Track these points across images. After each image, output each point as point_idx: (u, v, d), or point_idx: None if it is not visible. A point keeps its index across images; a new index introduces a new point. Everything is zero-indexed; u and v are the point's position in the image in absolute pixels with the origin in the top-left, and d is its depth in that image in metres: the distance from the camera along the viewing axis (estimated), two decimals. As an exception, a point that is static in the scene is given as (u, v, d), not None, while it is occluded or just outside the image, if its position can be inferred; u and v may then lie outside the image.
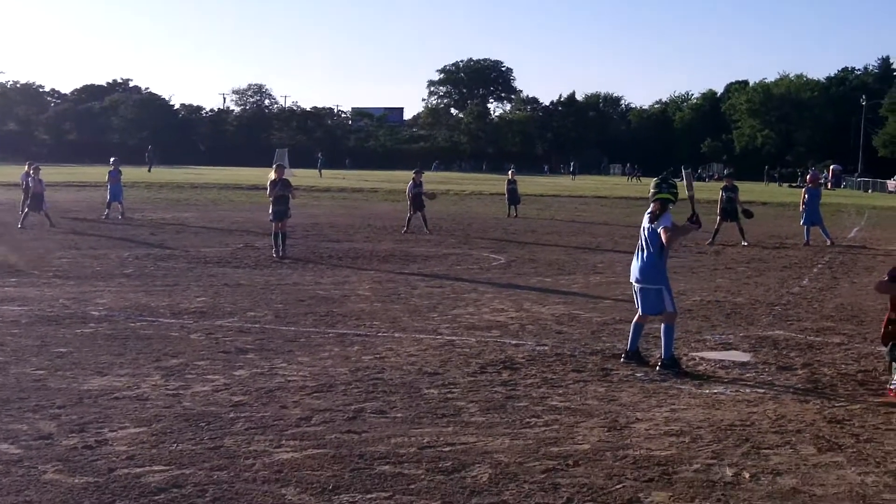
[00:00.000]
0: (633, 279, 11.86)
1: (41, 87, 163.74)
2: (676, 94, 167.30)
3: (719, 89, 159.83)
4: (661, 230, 11.46)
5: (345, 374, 10.85)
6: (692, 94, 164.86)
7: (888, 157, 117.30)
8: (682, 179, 12.59)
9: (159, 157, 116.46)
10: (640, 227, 11.96)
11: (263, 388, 10.10)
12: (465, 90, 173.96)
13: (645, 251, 11.67)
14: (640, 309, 11.81)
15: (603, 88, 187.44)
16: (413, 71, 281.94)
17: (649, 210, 11.80)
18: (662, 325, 11.58)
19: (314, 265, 21.80)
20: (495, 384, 10.52)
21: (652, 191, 11.83)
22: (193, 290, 17.45)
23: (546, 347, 12.64)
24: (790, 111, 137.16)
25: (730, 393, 10.40)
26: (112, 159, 37.23)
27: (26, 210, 30.51)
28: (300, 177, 69.58)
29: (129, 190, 42.01)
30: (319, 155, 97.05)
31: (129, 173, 51.74)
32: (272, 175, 24.06)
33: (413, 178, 32.29)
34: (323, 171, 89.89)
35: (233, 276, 19.63)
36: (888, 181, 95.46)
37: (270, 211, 23.58)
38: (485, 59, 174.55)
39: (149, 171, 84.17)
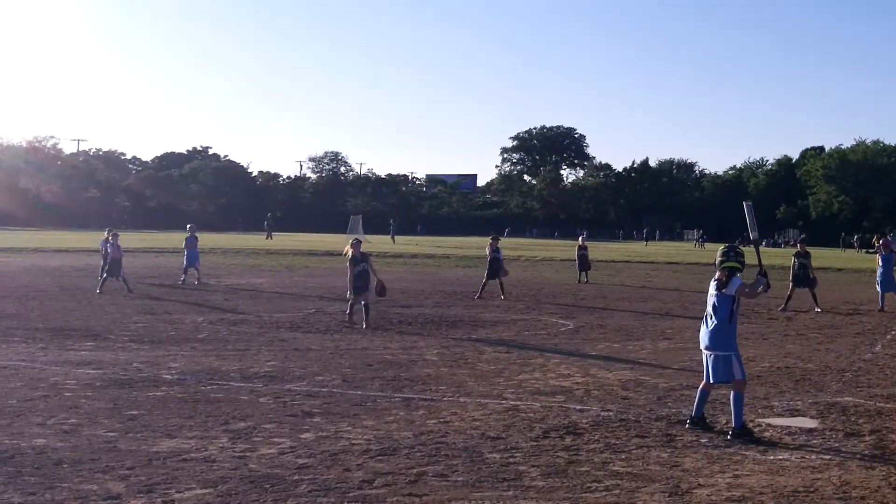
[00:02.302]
0: (702, 346, 11.81)
1: (122, 154, 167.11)
2: (751, 160, 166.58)
3: (794, 155, 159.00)
4: (737, 289, 11.48)
5: (409, 437, 10.95)
6: (767, 161, 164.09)
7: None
8: (747, 229, 12.54)
9: (242, 224, 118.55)
10: (707, 293, 11.99)
11: (328, 451, 10.22)
12: (538, 157, 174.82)
13: (713, 318, 11.64)
14: (709, 376, 11.72)
15: (676, 154, 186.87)
16: (487, 138, 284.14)
17: (716, 277, 11.80)
18: (732, 393, 11.52)
19: (383, 330, 21.91)
20: (557, 449, 10.55)
21: (719, 259, 11.80)
22: (264, 354, 17.68)
23: (610, 413, 12.64)
24: (867, 177, 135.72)
25: (794, 459, 10.34)
26: (189, 226, 37.94)
27: (105, 276, 31.11)
28: (374, 243, 70.03)
29: (205, 256, 42.52)
30: (392, 221, 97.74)
31: (207, 239, 52.58)
32: (349, 251, 23.11)
33: (490, 244, 32.55)
34: (396, 237, 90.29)
35: (303, 341, 19.85)
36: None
37: (350, 286, 22.82)
38: (558, 126, 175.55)
39: (267, 238, 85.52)
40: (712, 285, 11.81)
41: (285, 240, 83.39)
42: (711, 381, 11.70)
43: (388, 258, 57.06)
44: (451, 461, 9.93)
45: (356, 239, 25.27)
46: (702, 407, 11.91)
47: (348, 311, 23.18)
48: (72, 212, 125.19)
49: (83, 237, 69.16)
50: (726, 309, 11.55)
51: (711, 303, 11.73)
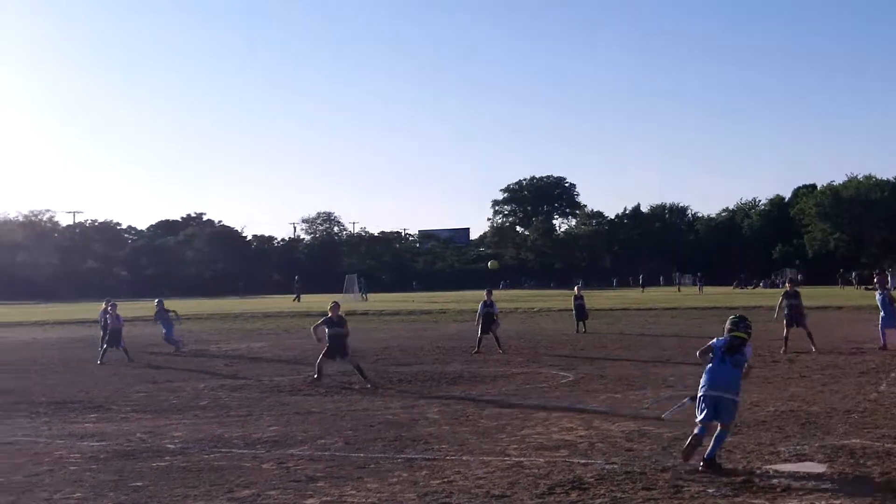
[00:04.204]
0: (714, 391, 12.33)
1: (118, 224, 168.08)
2: (743, 202, 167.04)
3: (787, 194, 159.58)
4: (749, 361, 12.66)
5: (413, 499, 10.89)
6: (759, 201, 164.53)
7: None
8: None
9: (244, 287, 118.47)
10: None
11: (334, 517, 10.16)
12: (529, 207, 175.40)
13: (732, 366, 12.41)
14: (715, 418, 12.19)
15: (668, 199, 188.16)
16: (478, 191, 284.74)
17: (728, 339, 12.60)
18: (722, 430, 12.20)
19: (384, 390, 21.85)
20: (564, 505, 10.49)
21: (728, 327, 12.67)
22: (266, 419, 17.61)
23: (615, 465, 12.56)
24: (861, 212, 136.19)
25: (803, 505, 10.29)
26: (157, 300, 38.29)
27: (105, 346, 31.09)
28: (349, 301, 69.74)
29: (202, 321, 42.41)
30: (360, 279, 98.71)
31: (206, 305, 52.49)
32: (329, 313, 23.58)
33: (484, 299, 32.58)
34: (368, 294, 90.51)
35: (304, 403, 19.77)
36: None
37: (327, 345, 23.18)
38: (548, 176, 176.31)
39: (296, 300, 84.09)
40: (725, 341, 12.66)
41: (311, 300, 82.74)
42: (723, 420, 12.35)
43: (386, 315, 56.95)
44: (458, 522, 9.87)
45: (334, 302, 24.90)
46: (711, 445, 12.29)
47: (315, 372, 23.55)
48: (70, 284, 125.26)
49: (82, 309, 69.08)
50: (743, 365, 12.60)
51: (733, 355, 12.53)
